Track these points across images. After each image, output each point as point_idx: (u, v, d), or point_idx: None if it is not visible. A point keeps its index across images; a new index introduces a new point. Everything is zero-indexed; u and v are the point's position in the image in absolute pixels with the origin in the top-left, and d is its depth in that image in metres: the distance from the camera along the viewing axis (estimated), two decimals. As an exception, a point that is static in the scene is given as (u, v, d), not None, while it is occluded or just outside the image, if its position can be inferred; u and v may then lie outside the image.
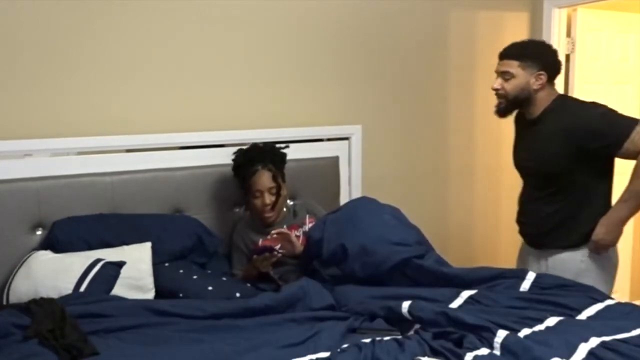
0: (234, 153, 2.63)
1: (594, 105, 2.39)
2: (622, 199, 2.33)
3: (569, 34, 3.70)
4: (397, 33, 3.31)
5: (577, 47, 3.68)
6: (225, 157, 2.68)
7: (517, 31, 3.67)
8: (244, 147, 2.64)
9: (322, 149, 3.08)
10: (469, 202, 3.71)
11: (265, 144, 2.67)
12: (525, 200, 2.60)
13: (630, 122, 2.28)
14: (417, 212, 2.65)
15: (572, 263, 2.45)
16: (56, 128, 2.50)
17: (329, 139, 3.12)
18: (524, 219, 2.61)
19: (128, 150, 2.66)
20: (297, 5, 3.01)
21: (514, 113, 2.56)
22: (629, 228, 4.07)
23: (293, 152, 2.87)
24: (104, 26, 2.56)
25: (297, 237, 2.59)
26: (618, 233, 2.39)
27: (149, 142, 2.65)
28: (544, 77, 2.39)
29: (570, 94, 3.62)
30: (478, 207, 3.72)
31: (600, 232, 2.37)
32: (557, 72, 2.46)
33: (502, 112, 2.50)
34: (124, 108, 2.64)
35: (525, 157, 2.54)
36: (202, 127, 2.79)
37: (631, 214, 2.35)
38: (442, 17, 3.46)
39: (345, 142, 3.17)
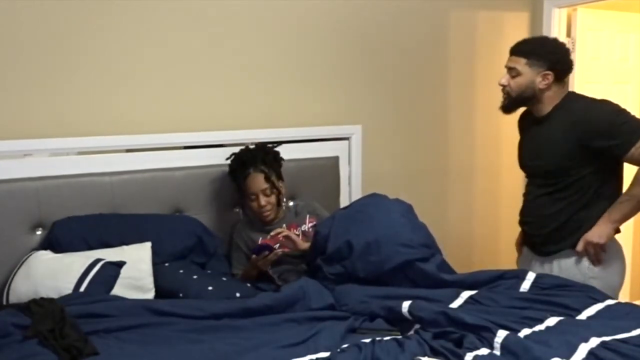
0: (228, 158, 2.64)
1: (606, 102, 2.31)
2: (618, 201, 2.28)
3: (569, 34, 3.69)
4: (397, 33, 3.31)
5: (577, 47, 3.67)
6: (225, 157, 2.67)
7: (517, 31, 3.67)
8: (237, 152, 2.65)
9: (322, 149, 3.08)
10: (469, 202, 3.71)
11: (256, 144, 2.67)
12: (529, 199, 2.51)
13: None
14: (417, 212, 2.64)
15: (578, 271, 2.35)
16: (56, 128, 2.50)
17: (329, 139, 3.12)
18: (528, 219, 2.52)
19: (128, 150, 2.66)
20: (297, 5, 3.00)
21: (520, 112, 2.52)
22: (629, 228, 4.08)
23: (293, 152, 2.87)
24: (103, 26, 2.56)
25: (297, 235, 2.59)
26: (608, 235, 2.30)
27: (149, 142, 2.65)
28: (550, 77, 2.32)
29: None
30: (478, 207, 3.72)
31: (592, 231, 2.30)
32: (567, 71, 2.39)
33: (505, 108, 2.45)
34: (124, 108, 2.64)
35: (532, 155, 2.45)
36: (202, 127, 2.79)
37: (624, 217, 2.29)
38: (442, 17, 3.46)
39: (345, 142, 3.17)
